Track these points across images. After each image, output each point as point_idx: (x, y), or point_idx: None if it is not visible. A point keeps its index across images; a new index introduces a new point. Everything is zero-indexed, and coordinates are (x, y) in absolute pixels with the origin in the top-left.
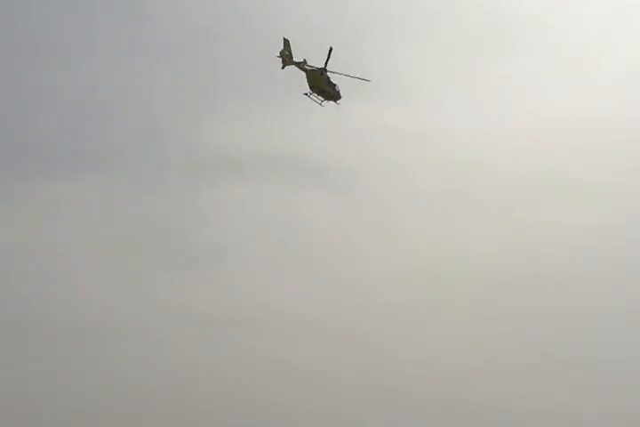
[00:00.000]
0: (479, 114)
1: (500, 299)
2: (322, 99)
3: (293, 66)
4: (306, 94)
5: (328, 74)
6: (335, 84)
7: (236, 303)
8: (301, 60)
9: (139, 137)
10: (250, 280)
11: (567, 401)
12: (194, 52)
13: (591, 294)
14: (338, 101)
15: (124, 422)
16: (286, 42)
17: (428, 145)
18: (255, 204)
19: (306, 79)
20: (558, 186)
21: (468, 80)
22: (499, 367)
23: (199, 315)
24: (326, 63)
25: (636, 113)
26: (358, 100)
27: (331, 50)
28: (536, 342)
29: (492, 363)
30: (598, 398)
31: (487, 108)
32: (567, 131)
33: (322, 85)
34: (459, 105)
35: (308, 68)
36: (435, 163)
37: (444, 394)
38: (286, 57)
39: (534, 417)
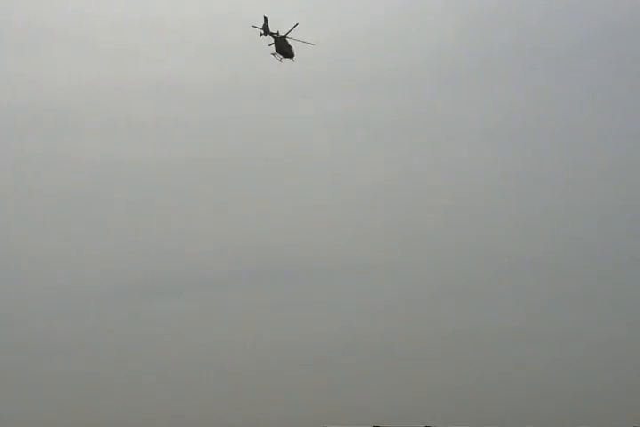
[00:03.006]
0: None
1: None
2: (281, 57)
3: (269, 35)
4: (273, 54)
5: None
6: (291, 47)
7: None
8: (275, 32)
9: None
10: None
11: None
12: None
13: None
14: (293, 59)
15: None
16: (265, 18)
17: None
18: None
19: (274, 44)
20: None
21: None
22: None
23: None
24: (287, 33)
25: None
26: None
27: (296, 25)
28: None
29: None
30: None
31: None
32: None
33: (285, 48)
34: None
35: (277, 36)
36: None
37: None
38: (265, 29)
39: None
